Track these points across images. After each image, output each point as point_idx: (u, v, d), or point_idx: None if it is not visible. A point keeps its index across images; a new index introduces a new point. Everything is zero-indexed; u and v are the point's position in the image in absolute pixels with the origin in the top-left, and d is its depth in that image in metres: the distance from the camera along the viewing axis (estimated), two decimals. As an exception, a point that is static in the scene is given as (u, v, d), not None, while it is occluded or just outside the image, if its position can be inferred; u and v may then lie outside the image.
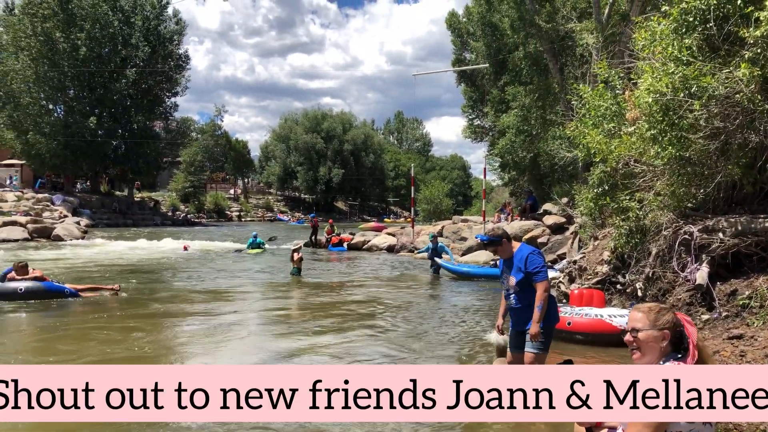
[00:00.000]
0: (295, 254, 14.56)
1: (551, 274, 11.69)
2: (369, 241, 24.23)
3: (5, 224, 26.67)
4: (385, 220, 58.49)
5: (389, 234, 25.25)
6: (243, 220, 62.48)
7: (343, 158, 77.48)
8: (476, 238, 5.37)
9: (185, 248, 21.79)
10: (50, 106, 42.78)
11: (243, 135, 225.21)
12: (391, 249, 22.81)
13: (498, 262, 14.86)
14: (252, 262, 18.75)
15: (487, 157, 27.73)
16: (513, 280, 4.95)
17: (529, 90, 22.86)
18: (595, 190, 9.27)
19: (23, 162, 44.79)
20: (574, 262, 10.28)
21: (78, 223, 31.98)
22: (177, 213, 52.73)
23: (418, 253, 18.96)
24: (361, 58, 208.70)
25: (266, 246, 23.37)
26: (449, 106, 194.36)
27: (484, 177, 24.15)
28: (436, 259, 15.36)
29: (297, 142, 75.92)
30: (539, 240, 16.86)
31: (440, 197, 47.13)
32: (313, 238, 25.59)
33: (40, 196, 36.98)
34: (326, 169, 75.44)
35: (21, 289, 9.83)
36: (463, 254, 18.49)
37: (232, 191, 76.23)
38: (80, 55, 40.08)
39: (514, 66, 25.98)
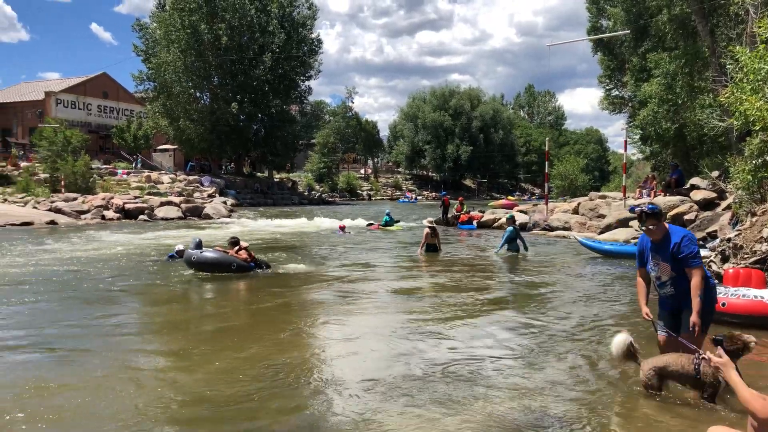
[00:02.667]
0: (430, 231, 14.71)
1: (701, 253, 10.96)
2: (499, 219, 23.84)
3: (162, 204, 29.29)
4: (509, 197, 57.19)
5: (521, 211, 24.67)
6: (373, 199, 64.08)
7: (471, 135, 76.69)
8: (631, 210, 5.01)
9: (341, 228, 21.03)
10: (197, 94, 46.47)
11: (372, 116, 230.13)
12: (522, 227, 22.22)
13: (640, 241, 14.09)
14: (388, 239, 19.22)
15: (627, 130, 26.26)
16: (668, 267, 4.65)
17: (674, 56, 21.34)
18: (753, 162, 8.50)
19: (176, 147, 48.95)
20: (728, 239, 9.52)
21: (225, 202, 34.41)
22: (312, 192, 55.14)
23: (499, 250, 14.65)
24: (490, 32, 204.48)
25: (401, 224, 23.84)
26: (584, 76, 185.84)
27: (625, 150, 23.04)
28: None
29: (425, 121, 76.19)
30: (686, 217, 15.78)
31: (575, 173, 45.45)
32: (443, 216, 25.68)
33: (190, 178, 40.28)
34: (454, 146, 75.10)
35: (234, 266, 11.01)
36: (600, 232, 17.74)
37: (362, 171, 78.23)
38: (222, 44, 42.82)
39: (656, 31, 24.34)
